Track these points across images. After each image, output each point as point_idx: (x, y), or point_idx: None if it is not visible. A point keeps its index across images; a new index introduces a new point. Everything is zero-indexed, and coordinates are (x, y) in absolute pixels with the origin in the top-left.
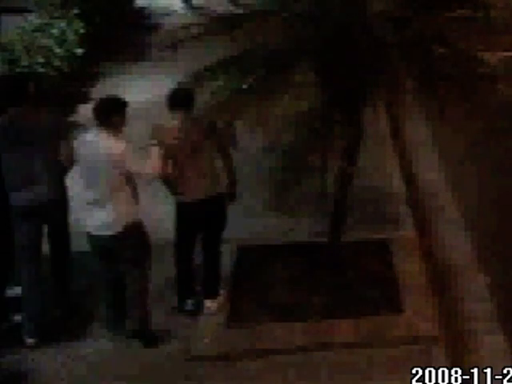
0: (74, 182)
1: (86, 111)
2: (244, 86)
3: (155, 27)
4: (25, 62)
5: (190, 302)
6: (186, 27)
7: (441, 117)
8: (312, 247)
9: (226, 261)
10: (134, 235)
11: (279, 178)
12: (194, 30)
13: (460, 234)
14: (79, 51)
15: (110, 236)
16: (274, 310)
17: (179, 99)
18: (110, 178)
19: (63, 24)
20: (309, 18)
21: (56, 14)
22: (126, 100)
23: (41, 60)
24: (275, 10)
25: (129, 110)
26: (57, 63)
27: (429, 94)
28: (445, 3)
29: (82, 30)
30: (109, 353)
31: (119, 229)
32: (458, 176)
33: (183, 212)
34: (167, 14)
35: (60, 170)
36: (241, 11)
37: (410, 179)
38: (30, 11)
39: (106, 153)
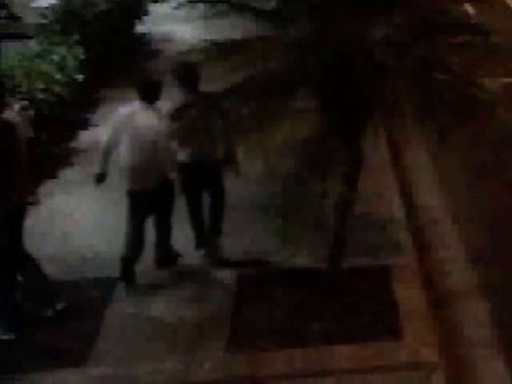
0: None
1: (86, 137)
2: (245, 112)
3: (155, 53)
4: (25, 88)
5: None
6: (185, 53)
7: (441, 143)
8: (312, 273)
9: (226, 286)
10: None
11: (280, 204)
12: (194, 56)
13: (460, 260)
14: (79, 77)
15: None
16: (274, 335)
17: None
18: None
19: (63, 50)
20: (309, 44)
21: (56, 40)
22: None
23: (41, 86)
24: (275, 36)
25: None
26: (57, 89)
27: (429, 119)
28: (445, 29)
29: (82, 56)
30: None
31: None
32: (459, 202)
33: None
34: (167, 40)
35: None
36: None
37: (410, 205)
38: (30, 37)
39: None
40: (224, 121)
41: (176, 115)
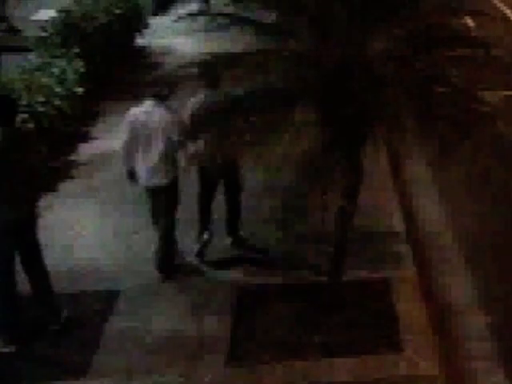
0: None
1: (86, 150)
2: (245, 125)
3: (155, 66)
4: (25, 101)
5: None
6: (186, 66)
7: (442, 155)
8: (312, 286)
9: (227, 299)
10: None
11: (280, 217)
12: (194, 69)
13: (460, 273)
14: (79, 90)
15: None
16: (275, 348)
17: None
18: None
19: (63, 63)
20: (309, 57)
21: (56, 53)
22: None
23: (41, 99)
24: (276, 49)
25: None
26: (57, 102)
27: (429, 132)
28: (445, 42)
29: (82, 69)
30: None
31: None
32: (459, 215)
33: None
34: (167, 53)
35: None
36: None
37: (410, 218)
38: (30, 50)
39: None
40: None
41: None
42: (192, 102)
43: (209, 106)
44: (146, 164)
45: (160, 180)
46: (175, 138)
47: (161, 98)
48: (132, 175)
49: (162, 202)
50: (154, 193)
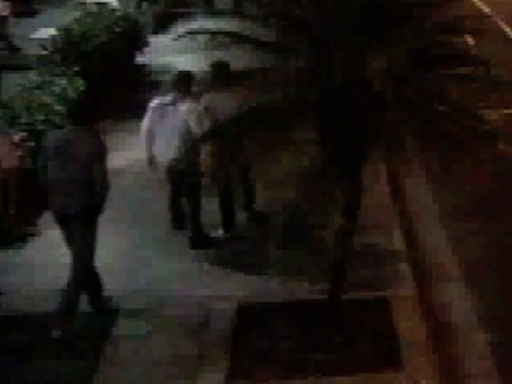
0: None
1: None
2: (245, 143)
3: (156, 84)
4: (25, 119)
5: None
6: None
7: (442, 174)
8: (312, 304)
9: (227, 318)
10: None
11: (280, 235)
12: (195, 87)
13: (460, 291)
14: None
15: None
16: (275, 367)
17: None
18: None
19: (64, 81)
20: (309, 76)
21: (57, 72)
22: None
23: (41, 117)
24: (276, 67)
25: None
26: (57, 120)
27: (429, 150)
28: (445, 61)
29: (82, 88)
30: None
31: None
32: (459, 233)
33: None
34: (168, 72)
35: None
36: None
37: (410, 237)
38: (30, 69)
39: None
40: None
41: None
42: (206, 96)
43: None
44: (169, 149)
45: (180, 164)
46: (194, 126)
47: (182, 90)
48: (152, 160)
49: (186, 184)
50: (174, 176)
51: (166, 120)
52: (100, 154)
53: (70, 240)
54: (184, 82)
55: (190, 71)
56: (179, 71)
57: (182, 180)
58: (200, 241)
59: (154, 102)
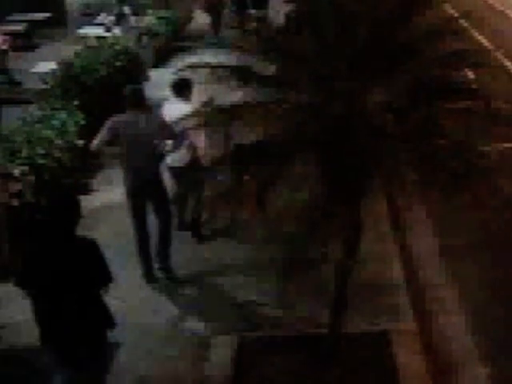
0: None
1: (86, 203)
2: (245, 177)
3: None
4: (25, 154)
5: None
6: (186, 118)
7: (441, 207)
8: (312, 338)
9: (226, 352)
10: None
11: (280, 269)
12: (195, 121)
13: (460, 325)
14: (80, 142)
15: None
16: None
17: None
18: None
19: (64, 115)
20: (309, 109)
21: (57, 106)
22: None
23: (41, 151)
24: (276, 101)
25: None
26: (57, 154)
27: (429, 184)
28: (445, 94)
29: (82, 122)
30: None
31: None
32: (459, 267)
33: None
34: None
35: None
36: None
37: (409, 270)
38: (31, 102)
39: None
40: None
41: None
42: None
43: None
44: (173, 149)
45: (180, 163)
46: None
47: (183, 96)
48: (161, 159)
49: (188, 180)
50: (176, 173)
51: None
52: (162, 126)
53: (138, 212)
54: (183, 88)
55: (189, 79)
56: (178, 78)
57: (185, 176)
58: (199, 232)
59: (167, 106)
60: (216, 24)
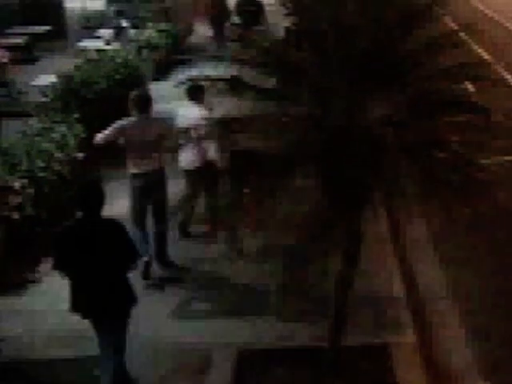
0: None
1: None
2: (245, 190)
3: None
4: (25, 166)
5: None
6: (185, 131)
7: (441, 220)
8: (313, 351)
9: (227, 365)
10: None
11: (280, 281)
12: (195, 135)
13: (460, 338)
14: (79, 155)
15: None
16: None
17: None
18: None
19: (64, 128)
20: (309, 122)
21: (57, 119)
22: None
23: (41, 164)
24: (276, 114)
25: None
26: (57, 167)
27: (429, 197)
28: (445, 107)
29: (82, 135)
30: None
31: None
32: (459, 280)
33: None
34: (169, 118)
35: None
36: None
37: (410, 283)
38: (30, 115)
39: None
40: None
41: None
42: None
43: None
44: (186, 152)
45: (193, 164)
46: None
47: (197, 100)
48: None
49: (200, 181)
50: (189, 174)
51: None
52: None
53: (141, 213)
54: (197, 93)
55: (202, 84)
56: (192, 83)
57: (201, 177)
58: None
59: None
60: (219, 36)
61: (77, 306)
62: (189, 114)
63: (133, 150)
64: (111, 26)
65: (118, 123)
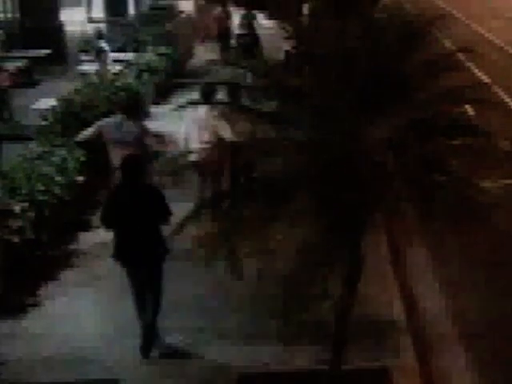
0: None
1: (87, 239)
2: (244, 213)
3: (157, 154)
4: (25, 190)
5: None
6: (185, 155)
7: (442, 243)
8: (313, 375)
9: None
10: None
11: (279, 306)
12: (193, 158)
13: (461, 361)
14: (80, 179)
15: None
16: None
17: None
18: None
19: (64, 152)
20: (309, 146)
21: (57, 142)
22: None
23: (41, 188)
24: (275, 138)
25: None
26: (57, 191)
27: (429, 220)
28: (445, 131)
29: (82, 158)
30: None
31: None
32: (459, 303)
33: None
34: (170, 141)
35: None
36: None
37: (410, 306)
38: (31, 139)
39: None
40: None
41: None
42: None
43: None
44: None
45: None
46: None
47: (209, 100)
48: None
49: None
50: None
51: (198, 124)
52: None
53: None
54: (210, 94)
55: (215, 86)
56: (204, 83)
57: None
58: None
59: (192, 111)
60: (226, 52)
61: (119, 255)
62: (200, 112)
63: (112, 148)
64: (93, 48)
65: (98, 122)
